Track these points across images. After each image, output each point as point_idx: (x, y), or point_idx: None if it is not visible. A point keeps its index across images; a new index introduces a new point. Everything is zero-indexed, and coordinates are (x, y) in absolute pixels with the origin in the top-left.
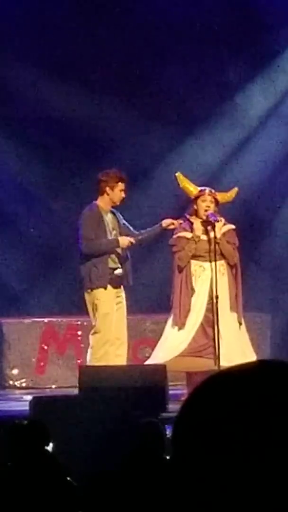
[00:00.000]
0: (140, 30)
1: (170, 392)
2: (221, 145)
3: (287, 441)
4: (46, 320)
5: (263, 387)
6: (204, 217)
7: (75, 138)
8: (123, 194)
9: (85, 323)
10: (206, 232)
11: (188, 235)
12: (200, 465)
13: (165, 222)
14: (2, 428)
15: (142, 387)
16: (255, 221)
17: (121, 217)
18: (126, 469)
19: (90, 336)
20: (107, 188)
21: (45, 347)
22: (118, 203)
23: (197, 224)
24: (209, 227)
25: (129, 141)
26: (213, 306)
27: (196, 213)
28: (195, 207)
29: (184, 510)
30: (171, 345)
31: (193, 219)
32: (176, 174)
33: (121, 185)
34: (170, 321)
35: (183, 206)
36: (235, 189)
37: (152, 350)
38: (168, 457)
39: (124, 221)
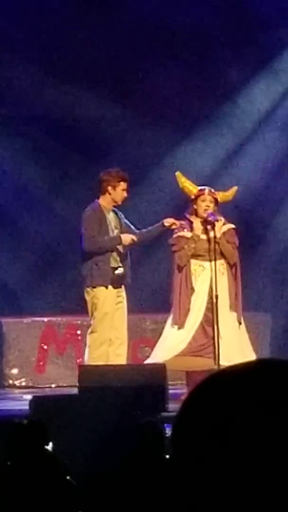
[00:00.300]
0: (139, 31)
1: (170, 391)
2: (220, 146)
3: (287, 440)
4: (46, 319)
5: (262, 386)
6: (204, 216)
7: (74, 138)
8: (125, 194)
9: (84, 323)
10: (206, 232)
11: (188, 234)
12: (200, 464)
13: (167, 221)
14: (1, 428)
15: (142, 386)
16: (255, 220)
17: (122, 216)
18: (125, 469)
19: (87, 336)
20: (109, 188)
21: (45, 347)
22: (120, 203)
23: (197, 223)
24: (208, 227)
25: (129, 141)
26: (212, 306)
27: (195, 213)
28: (194, 206)
29: (184, 510)
30: (171, 344)
31: (192, 218)
32: (176, 174)
33: (123, 185)
34: (169, 321)
35: (182, 206)
36: (235, 188)
37: (152, 349)
38: (167, 457)
39: (126, 220)
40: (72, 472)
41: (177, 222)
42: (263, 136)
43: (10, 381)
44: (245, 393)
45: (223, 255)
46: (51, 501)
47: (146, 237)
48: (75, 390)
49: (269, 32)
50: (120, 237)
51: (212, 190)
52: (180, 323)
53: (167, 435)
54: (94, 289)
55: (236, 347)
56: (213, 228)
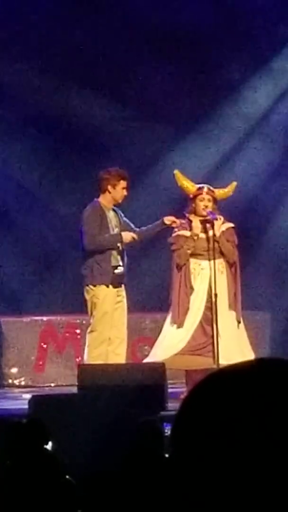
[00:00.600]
0: (138, 31)
1: (169, 390)
2: (219, 145)
3: (286, 438)
4: (45, 318)
5: (261, 385)
6: (203, 215)
7: (74, 138)
8: (125, 192)
9: (84, 322)
10: (205, 230)
11: (187, 233)
12: (199, 463)
13: (168, 219)
14: (1, 427)
15: (141, 385)
16: (254, 218)
17: (122, 214)
18: (125, 468)
19: (87, 335)
20: (109, 186)
21: (44, 346)
22: (120, 201)
23: (196, 222)
24: (208, 225)
25: (128, 140)
26: (212, 305)
27: (194, 211)
28: (193, 205)
29: (183, 509)
30: (170, 343)
31: (191, 217)
32: (175, 172)
33: (123, 183)
34: (168, 320)
35: (181, 205)
36: (234, 184)
37: (151, 348)
38: (167, 456)
39: (125, 218)
40: (72, 472)
41: (177, 221)
42: (262, 135)
43: (10, 380)
44: (244, 392)
45: (222, 254)
46: (50, 500)
47: (146, 235)
48: (74, 389)
49: (269, 31)
50: (121, 235)
51: (211, 188)
52: (179, 322)
53: (167, 434)
54: (94, 288)
55: (235, 346)
56: (212, 226)
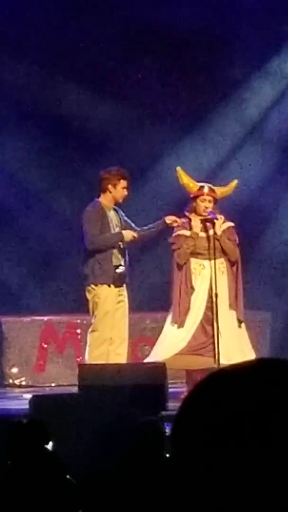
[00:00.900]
0: (138, 31)
1: (170, 390)
2: (220, 144)
3: (286, 438)
4: (45, 318)
5: (262, 385)
6: (204, 215)
7: (74, 138)
8: (125, 192)
9: (84, 322)
10: (205, 230)
11: (187, 233)
12: (199, 463)
13: (169, 219)
14: (1, 427)
15: (141, 385)
16: (255, 217)
17: (123, 214)
18: (125, 468)
19: (88, 335)
20: (110, 186)
21: (45, 346)
22: (120, 201)
23: (196, 221)
24: (208, 225)
25: (128, 140)
26: (212, 304)
27: (195, 211)
28: (194, 205)
29: (184, 508)
30: (171, 343)
31: (192, 216)
32: (177, 169)
33: (123, 183)
34: (169, 319)
35: (182, 204)
36: (235, 182)
37: (152, 348)
38: (167, 455)
39: (126, 218)
40: (72, 471)
41: (179, 220)
42: (262, 134)
43: (10, 380)
44: (245, 392)
45: (224, 253)
46: (51, 500)
47: (147, 235)
48: (75, 389)
49: (269, 31)
50: (122, 234)
51: (212, 188)
52: (179, 322)
53: (167, 434)
54: (96, 287)
55: (236, 346)
56: (213, 226)
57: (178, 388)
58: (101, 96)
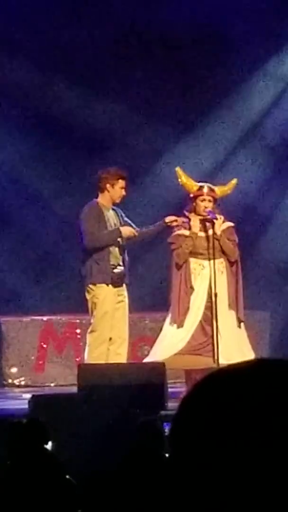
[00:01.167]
0: (138, 31)
1: (169, 390)
2: (219, 145)
3: (285, 439)
4: (45, 318)
5: (261, 385)
6: (204, 215)
7: (74, 137)
8: (123, 192)
9: (84, 322)
10: (205, 229)
11: (186, 232)
12: (199, 463)
13: (169, 219)
14: (1, 427)
15: (141, 385)
16: (255, 218)
17: (122, 214)
18: (125, 467)
19: (87, 335)
20: (108, 185)
21: (44, 346)
22: (118, 201)
23: (195, 221)
24: (208, 225)
25: (128, 139)
26: (212, 304)
27: (195, 210)
28: (193, 204)
29: (183, 508)
30: (170, 343)
31: (191, 216)
32: (176, 169)
33: (121, 183)
34: (168, 319)
35: (181, 204)
36: (234, 181)
37: (151, 348)
38: (167, 455)
39: (126, 218)
40: (72, 471)
41: (179, 219)
42: (263, 132)
43: (10, 380)
44: (244, 392)
45: (224, 253)
46: (50, 500)
47: (147, 235)
48: (74, 389)
49: (270, 31)
50: (119, 230)
51: (211, 188)
52: (179, 322)
53: (166, 433)
54: (95, 287)
55: (235, 346)
56: (212, 226)
57: (178, 388)
58: (101, 96)
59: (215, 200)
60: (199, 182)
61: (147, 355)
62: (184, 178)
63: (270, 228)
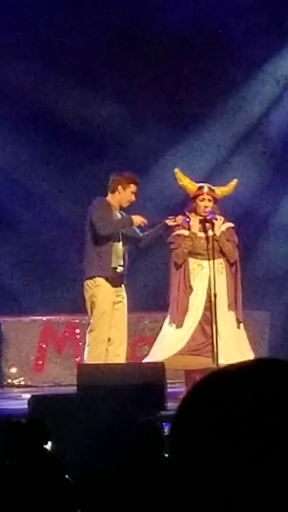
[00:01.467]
0: (138, 31)
1: (169, 390)
2: (216, 146)
3: (285, 439)
4: (44, 318)
5: (261, 385)
6: (204, 215)
7: (74, 137)
8: (133, 197)
9: (83, 322)
10: (204, 230)
11: (185, 232)
12: (198, 463)
13: (169, 220)
14: (1, 427)
15: (140, 385)
16: (254, 218)
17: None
18: (124, 468)
19: (87, 334)
20: (120, 187)
21: (44, 346)
22: (125, 205)
23: (195, 221)
24: (207, 225)
25: (128, 140)
26: (211, 305)
27: (195, 211)
28: (194, 204)
29: (183, 509)
30: (169, 343)
31: (191, 216)
32: (175, 170)
33: (133, 187)
34: (167, 319)
35: (180, 205)
36: (234, 181)
37: (150, 348)
38: (166, 456)
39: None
40: (72, 472)
41: (178, 218)
42: (262, 133)
43: (9, 380)
44: (243, 393)
45: (223, 254)
46: (50, 500)
47: (149, 238)
48: (74, 389)
49: (269, 32)
50: (131, 218)
51: (211, 188)
52: (178, 322)
53: (166, 433)
54: (93, 283)
55: (235, 346)
56: (212, 226)
57: (177, 388)
58: (100, 96)
59: (215, 200)
60: (198, 183)
61: (146, 355)
62: (183, 180)
63: (269, 228)
